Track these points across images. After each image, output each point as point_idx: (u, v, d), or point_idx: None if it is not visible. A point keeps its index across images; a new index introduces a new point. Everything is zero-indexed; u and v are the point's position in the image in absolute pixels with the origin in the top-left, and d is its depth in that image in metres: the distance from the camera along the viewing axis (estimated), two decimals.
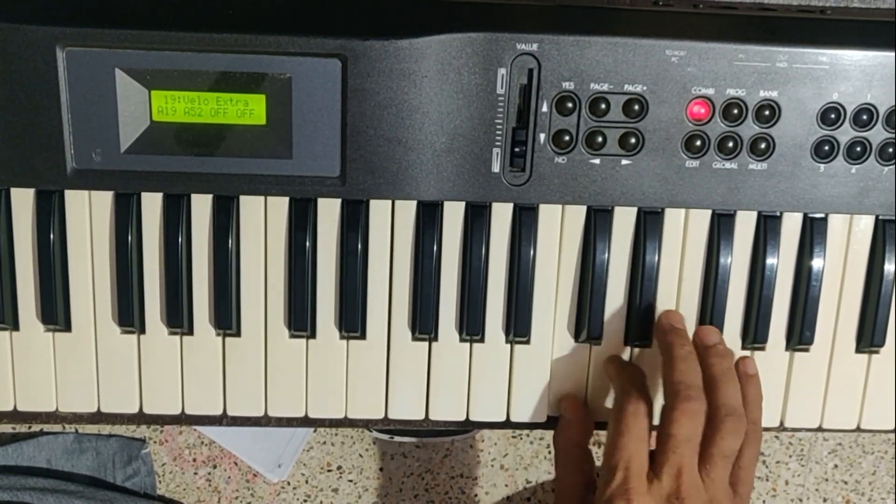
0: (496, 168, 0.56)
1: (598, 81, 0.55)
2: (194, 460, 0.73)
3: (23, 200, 0.55)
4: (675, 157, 0.56)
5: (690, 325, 0.59)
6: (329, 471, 0.74)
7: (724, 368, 0.55)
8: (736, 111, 0.55)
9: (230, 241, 0.56)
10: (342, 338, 0.58)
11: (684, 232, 0.58)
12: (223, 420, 0.59)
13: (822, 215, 0.58)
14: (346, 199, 0.56)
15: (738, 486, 0.55)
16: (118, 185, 0.55)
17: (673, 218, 0.58)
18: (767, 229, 0.58)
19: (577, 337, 0.59)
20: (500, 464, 0.77)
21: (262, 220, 0.56)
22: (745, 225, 0.58)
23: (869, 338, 0.59)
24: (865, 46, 0.55)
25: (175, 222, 0.55)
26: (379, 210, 0.56)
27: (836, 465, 0.76)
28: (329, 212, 0.56)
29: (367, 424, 0.61)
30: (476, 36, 0.53)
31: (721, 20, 0.56)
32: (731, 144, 0.56)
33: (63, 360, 0.58)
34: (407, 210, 0.56)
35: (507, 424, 0.60)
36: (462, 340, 0.59)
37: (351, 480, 0.76)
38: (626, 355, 0.59)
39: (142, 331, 0.57)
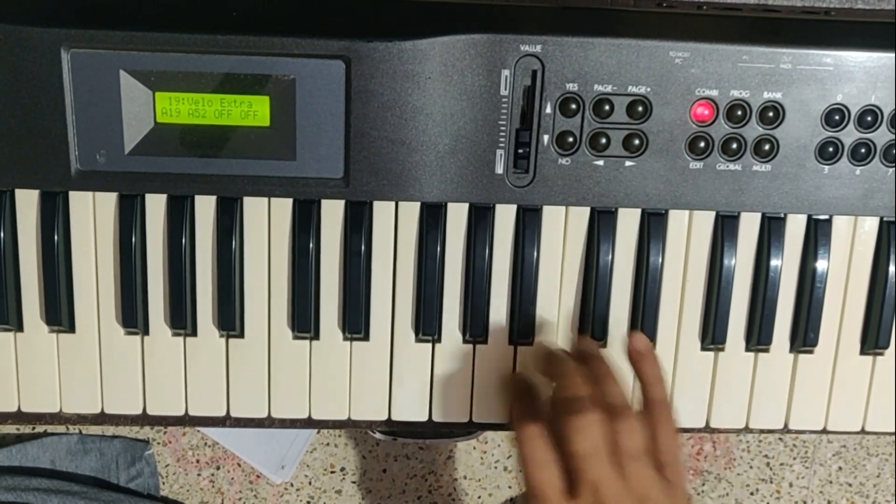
0: (500, 169, 0.56)
1: (602, 83, 0.55)
2: (198, 461, 0.73)
3: (27, 202, 0.55)
4: (679, 158, 0.56)
5: (694, 326, 0.59)
6: (332, 472, 0.74)
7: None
8: (740, 112, 0.55)
9: (234, 243, 0.56)
10: (345, 339, 0.58)
11: (688, 233, 0.58)
12: (226, 421, 0.59)
13: (827, 217, 0.58)
14: (350, 201, 0.56)
15: (665, 472, 0.53)
16: (122, 186, 0.55)
17: (677, 219, 0.58)
18: (771, 231, 0.58)
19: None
20: (503, 465, 0.77)
21: (266, 222, 0.56)
22: (749, 226, 0.58)
23: (873, 339, 0.59)
24: (869, 48, 0.55)
25: (179, 224, 0.56)
26: (382, 211, 0.56)
27: (840, 468, 0.76)
28: (332, 213, 0.56)
29: (370, 426, 0.61)
30: (480, 37, 0.53)
31: (725, 21, 0.56)
32: (734, 146, 0.56)
33: (67, 362, 0.58)
34: (410, 211, 0.56)
35: (511, 426, 0.60)
36: (465, 342, 0.58)
37: (354, 482, 0.76)
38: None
39: (145, 332, 0.57)
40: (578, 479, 0.51)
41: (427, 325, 0.57)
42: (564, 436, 0.52)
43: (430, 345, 0.58)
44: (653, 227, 0.57)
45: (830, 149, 0.56)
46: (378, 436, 0.75)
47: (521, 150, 0.55)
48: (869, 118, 0.56)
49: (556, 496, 0.51)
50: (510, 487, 0.77)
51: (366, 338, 0.58)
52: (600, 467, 0.51)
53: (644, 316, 0.58)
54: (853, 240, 0.59)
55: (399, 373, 0.59)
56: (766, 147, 0.56)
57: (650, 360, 0.56)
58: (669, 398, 0.56)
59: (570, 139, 0.55)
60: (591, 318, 0.58)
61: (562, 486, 0.51)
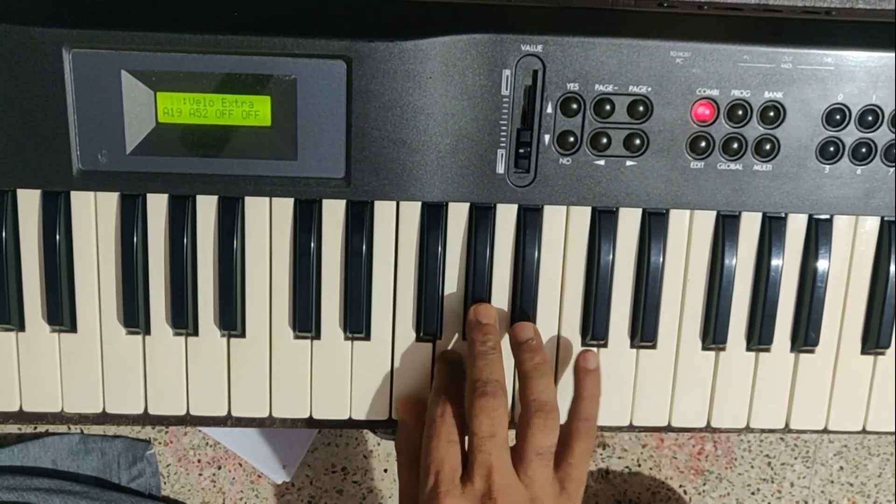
0: (501, 169, 0.56)
1: (603, 83, 0.55)
2: (199, 461, 0.73)
3: (29, 202, 0.55)
4: (680, 158, 0.56)
5: (695, 326, 0.59)
6: (333, 472, 0.74)
7: (535, 364, 0.55)
8: (741, 112, 0.55)
9: (235, 243, 0.56)
10: (347, 339, 0.58)
11: (689, 233, 0.58)
12: (228, 421, 0.59)
13: (828, 217, 0.58)
14: (351, 201, 0.56)
15: (567, 483, 0.53)
16: (124, 186, 0.55)
17: (678, 219, 0.58)
18: (772, 230, 0.58)
19: (583, 338, 0.59)
20: None
21: (267, 222, 0.56)
22: (749, 226, 0.58)
23: (874, 339, 0.59)
24: (870, 47, 0.55)
25: (180, 223, 0.56)
26: (383, 211, 0.56)
27: (841, 467, 0.76)
28: (334, 213, 0.56)
29: (371, 426, 0.61)
30: (481, 37, 0.54)
31: (726, 21, 0.56)
32: (735, 145, 0.56)
33: (68, 361, 0.58)
34: (411, 211, 0.57)
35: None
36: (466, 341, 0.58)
37: (355, 482, 0.76)
38: (630, 357, 0.59)
39: (147, 332, 0.57)
40: (473, 460, 0.51)
41: (428, 324, 0.57)
42: (469, 415, 0.52)
43: (430, 344, 0.58)
44: (654, 227, 0.57)
45: (831, 148, 0.56)
46: (379, 436, 0.75)
47: (522, 150, 0.55)
48: (870, 118, 0.56)
49: (451, 475, 0.51)
50: None
51: (367, 337, 0.58)
52: (497, 453, 0.51)
53: (645, 316, 0.58)
54: (854, 239, 0.59)
55: (400, 373, 0.59)
56: (767, 147, 0.56)
57: (594, 379, 0.57)
58: (596, 420, 0.57)
59: (571, 139, 0.55)
60: (592, 317, 0.58)
61: (460, 471, 0.51)
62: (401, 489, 0.57)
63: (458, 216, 0.57)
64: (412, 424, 0.57)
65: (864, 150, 0.56)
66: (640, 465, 0.75)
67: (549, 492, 0.52)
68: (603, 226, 0.57)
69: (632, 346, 0.59)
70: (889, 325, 0.59)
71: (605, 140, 0.55)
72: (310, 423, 0.60)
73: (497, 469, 0.51)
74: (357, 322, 0.57)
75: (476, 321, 0.56)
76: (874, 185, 0.57)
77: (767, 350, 0.60)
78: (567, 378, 0.59)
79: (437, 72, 0.54)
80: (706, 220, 0.58)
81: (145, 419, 0.59)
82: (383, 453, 0.76)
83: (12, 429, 0.72)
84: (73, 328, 0.57)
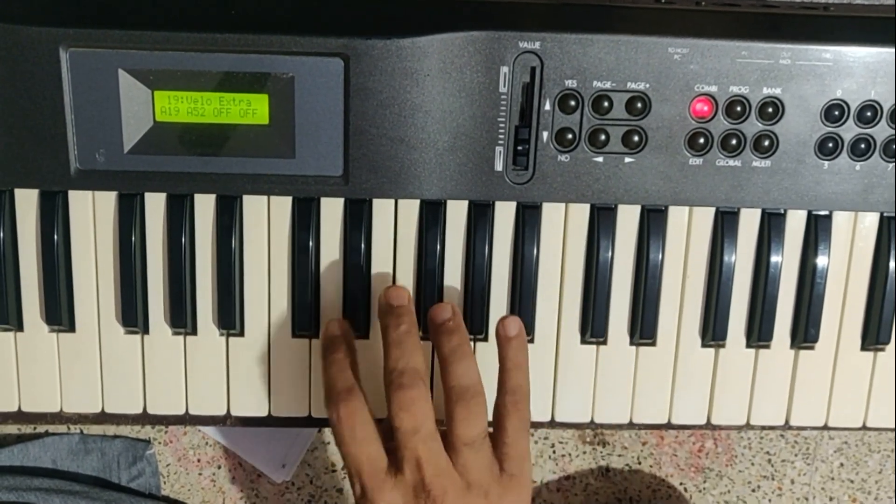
0: (499, 167, 0.56)
1: (601, 79, 0.54)
2: (199, 461, 0.73)
3: (26, 201, 0.55)
4: (679, 154, 0.56)
5: (694, 323, 0.59)
6: (333, 471, 0.74)
7: (453, 347, 0.52)
8: (739, 108, 0.55)
9: (233, 241, 0.56)
10: None
11: (688, 230, 0.58)
12: (227, 420, 0.59)
13: (827, 213, 0.58)
14: (349, 199, 0.56)
15: (505, 462, 0.51)
16: (122, 185, 0.55)
17: (676, 216, 0.58)
18: (771, 227, 0.58)
19: (582, 335, 0.59)
20: None
21: (266, 220, 0.56)
22: (748, 222, 0.58)
23: (874, 335, 0.59)
24: (869, 43, 0.55)
25: (178, 222, 0.56)
26: (382, 209, 0.56)
27: (842, 464, 0.76)
28: (332, 211, 0.56)
29: None
30: (478, 34, 0.53)
31: (724, 17, 0.56)
32: (734, 142, 0.56)
33: (67, 361, 0.58)
34: (410, 209, 0.56)
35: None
36: None
37: None
38: (630, 354, 0.59)
39: (145, 331, 0.57)
40: (401, 456, 0.49)
41: (426, 322, 0.57)
42: (389, 410, 0.50)
43: (430, 343, 0.58)
44: (653, 224, 0.57)
45: (830, 144, 0.56)
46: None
47: (520, 147, 0.55)
48: (868, 113, 0.56)
49: (375, 472, 0.49)
50: None
51: (366, 336, 0.58)
52: (424, 446, 0.49)
53: (644, 313, 0.58)
54: (853, 235, 0.59)
55: None
56: (766, 143, 0.56)
57: (517, 346, 0.54)
58: (528, 390, 0.53)
59: (570, 136, 0.55)
60: (591, 315, 0.58)
61: (384, 464, 0.50)
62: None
63: (456, 214, 0.57)
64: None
65: (863, 145, 0.56)
66: (640, 463, 0.75)
67: (488, 475, 0.50)
68: (602, 223, 0.57)
69: (631, 343, 0.59)
70: (889, 320, 0.59)
71: (603, 137, 0.55)
72: (309, 421, 0.60)
73: (427, 461, 0.49)
74: (356, 321, 0.57)
75: (387, 304, 0.54)
76: (873, 180, 0.57)
77: (767, 347, 0.60)
78: (561, 377, 0.59)
79: (435, 69, 0.53)
80: (705, 217, 0.58)
81: (144, 419, 0.59)
82: None
83: (12, 429, 0.72)
84: (71, 328, 0.57)
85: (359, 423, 0.50)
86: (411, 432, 0.50)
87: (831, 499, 0.77)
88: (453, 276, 0.57)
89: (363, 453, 0.50)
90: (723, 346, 0.59)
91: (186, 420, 0.59)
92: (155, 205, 0.56)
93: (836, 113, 0.56)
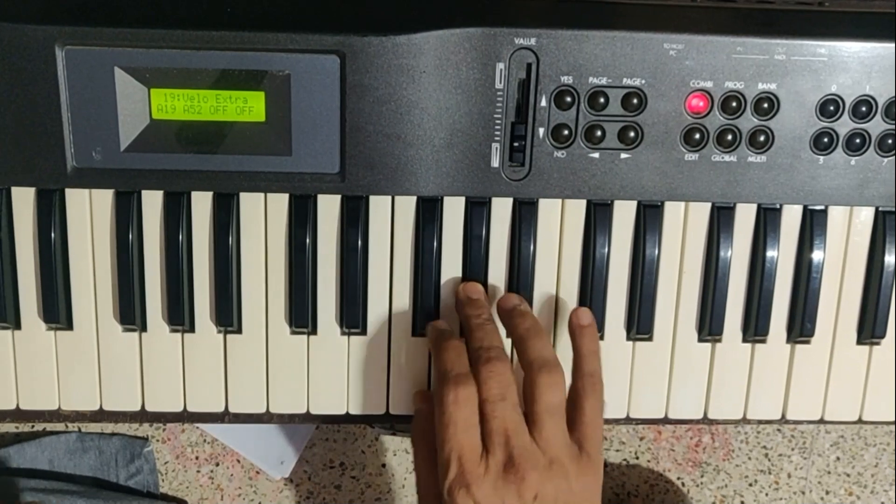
0: (495, 163, 0.56)
1: (597, 75, 0.55)
2: (197, 458, 0.73)
3: (23, 199, 0.55)
4: (675, 150, 0.56)
5: (691, 318, 0.59)
6: (331, 467, 0.74)
7: (528, 326, 0.54)
8: (735, 104, 0.55)
9: (230, 239, 0.56)
10: (343, 334, 0.58)
11: (684, 225, 0.58)
12: (225, 417, 0.59)
13: (822, 207, 0.58)
14: (346, 196, 0.56)
15: (584, 443, 0.53)
16: (118, 183, 0.55)
17: (673, 211, 0.58)
18: (767, 222, 0.58)
19: None
20: None
21: (263, 217, 0.56)
22: (744, 217, 0.58)
23: (870, 329, 0.59)
24: (864, 38, 0.55)
25: (175, 220, 0.56)
26: (379, 206, 0.56)
27: (838, 458, 0.76)
28: (329, 208, 0.56)
29: (369, 421, 0.61)
30: (474, 31, 0.54)
31: (719, 13, 0.56)
32: (730, 137, 0.56)
33: (65, 359, 0.58)
34: (407, 206, 0.57)
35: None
36: (463, 335, 0.58)
37: (353, 477, 0.76)
38: (627, 349, 0.60)
39: (143, 329, 0.57)
40: (490, 429, 0.51)
41: (424, 319, 0.58)
42: (478, 385, 0.52)
43: (427, 339, 0.58)
44: (649, 219, 0.57)
45: (825, 139, 0.56)
46: (377, 430, 0.75)
47: (516, 144, 0.55)
48: (863, 108, 0.56)
49: (473, 457, 0.51)
50: None
51: (363, 332, 0.58)
52: (511, 415, 0.51)
53: (641, 308, 0.58)
54: (849, 230, 0.59)
55: (397, 367, 0.59)
56: (761, 138, 0.56)
57: (590, 335, 0.56)
58: (601, 375, 0.56)
59: (566, 132, 0.55)
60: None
61: (480, 451, 0.51)
62: (419, 481, 0.56)
63: (453, 210, 0.57)
64: (427, 412, 0.56)
65: (858, 140, 0.57)
66: (637, 458, 0.75)
67: (568, 453, 0.52)
68: (598, 218, 0.57)
69: (628, 338, 0.59)
70: (884, 314, 0.59)
71: (599, 133, 0.55)
72: (307, 418, 0.60)
73: (514, 433, 0.51)
74: (353, 317, 0.57)
75: (466, 297, 0.57)
76: (868, 175, 0.57)
77: (763, 341, 0.60)
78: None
79: (431, 66, 0.54)
80: (701, 212, 0.58)
81: (142, 416, 0.59)
82: (381, 448, 0.76)
83: (10, 427, 0.72)
84: (69, 326, 0.57)
85: (470, 408, 0.52)
86: (499, 398, 0.51)
87: (828, 492, 0.77)
88: (450, 272, 0.58)
89: (467, 438, 0.51)
90: (719, 340, 0.60)
91: (185, 417, 0.59)
92: (152, 202, 0.56)
93: (832, 108, 0.56)
